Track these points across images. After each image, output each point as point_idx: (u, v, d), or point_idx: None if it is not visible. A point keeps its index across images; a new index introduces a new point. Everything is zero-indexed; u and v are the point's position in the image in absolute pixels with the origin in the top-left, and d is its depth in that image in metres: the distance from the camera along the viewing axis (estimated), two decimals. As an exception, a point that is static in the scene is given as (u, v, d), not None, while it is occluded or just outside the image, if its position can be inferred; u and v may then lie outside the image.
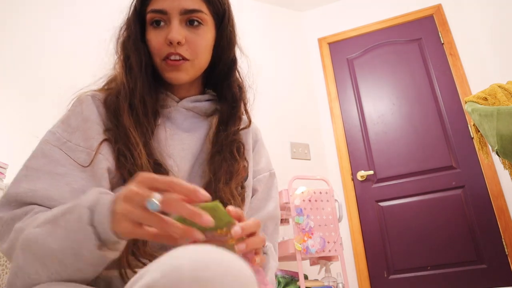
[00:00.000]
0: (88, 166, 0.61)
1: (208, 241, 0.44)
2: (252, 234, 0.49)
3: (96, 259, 0.47)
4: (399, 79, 2.86)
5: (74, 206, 0.48)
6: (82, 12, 2.40)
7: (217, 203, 0.44)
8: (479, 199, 2.46)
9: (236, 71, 0.79)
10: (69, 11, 2.38)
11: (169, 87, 0.75)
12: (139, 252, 0.57)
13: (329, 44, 3.16)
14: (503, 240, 2.34)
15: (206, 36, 0.72)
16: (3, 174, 1.58)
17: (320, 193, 2.09)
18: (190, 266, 0.32)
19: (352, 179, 2.77)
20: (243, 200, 0.73)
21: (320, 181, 2.28)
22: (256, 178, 0.80)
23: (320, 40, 3.19)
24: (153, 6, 0.69)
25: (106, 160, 0.63)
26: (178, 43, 0.68)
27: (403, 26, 2.96)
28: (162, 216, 0.42)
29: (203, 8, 0.70)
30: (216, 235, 0.45)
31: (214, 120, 0.78)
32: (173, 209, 0.42)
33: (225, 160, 0.72)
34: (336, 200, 2.12)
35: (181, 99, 0.76)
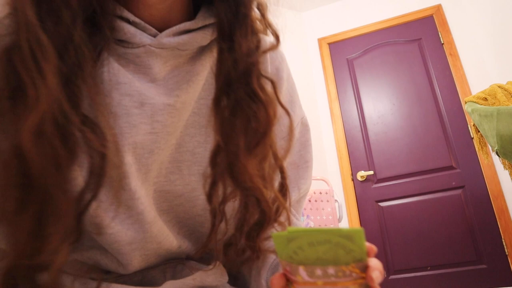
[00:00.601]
0: None
1: (324, 280, 0.31)
2: None
3: None
4: (399, 79, 2.86)
5: None
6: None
7: (362, 230, 0.30)
8: (479, 199, 2.46)
9: None
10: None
11: (133, 7, 0.41)
12: None
13: (329, 44, 3.16)
14: (503, 240, 2.34)
15: None
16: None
17: (320, 193, 2.09)
18: None
19: (352, 179, 2.77)
20: (283, 188, 0.45)
21: (320, 181, 2.29)
22: (284, 139, 0.51)
23: (320, 40, 3.19)
24: None
25: None
26: None
27: (403, 26, 2.96)
28: None
29: None
30: (339, 272, 0.31)
31: (213, 55, 0.45)
32: None
33: (240, 106, 0.41)
34: (336, 200, 2.12)
35: (159, 31, 0.42)
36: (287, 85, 0.53)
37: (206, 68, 0.45)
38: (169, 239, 0.45)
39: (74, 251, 0.43)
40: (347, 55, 3.07)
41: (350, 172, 2.79)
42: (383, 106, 2.85)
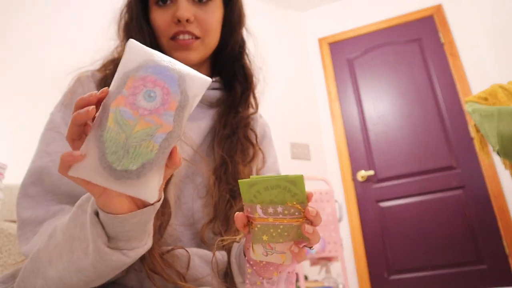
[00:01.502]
0: None
1: (274, 217, 0.42)
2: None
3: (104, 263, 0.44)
4: (399, 79, 2.86)
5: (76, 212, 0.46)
6: (83, 11, 2.39)
7: (302, 176, 0.41)
8: (479, 199, 2.46)
9: (245, 53, 0.76)
10: (69, 10, 2.37)
11: None
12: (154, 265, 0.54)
13: (330, 44, 3.15)
14: (503, 240, 2.34)
15: (215, 12, 0.68)
16: (2, 174, 1.57)
17: (320, 193, 2.09)
18: None
19: (353, 179, 2.77)
20: None
21: (320, 182, 2.28)
22: None
23: (320, 40, 3.19)
24: None
25: None
26: (187, 20, 0.64)
27: (403, 26, 2.96)
28: None
29: None
30: (285, 210, 0.42)
31: (218, 110, 0.73)
32: None
33: (240, 142, 0.69)
34: (336, 201, 2.12)
35: None
36: (268, 143, 0.81)
37: (212, 116, 0.72)
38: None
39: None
40: (347, 55, 3.07)
41: (350, 172, 2.79)
42: (383, 106, 2.84)
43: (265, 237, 0.42)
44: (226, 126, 0.70)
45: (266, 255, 0.44)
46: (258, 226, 0.42)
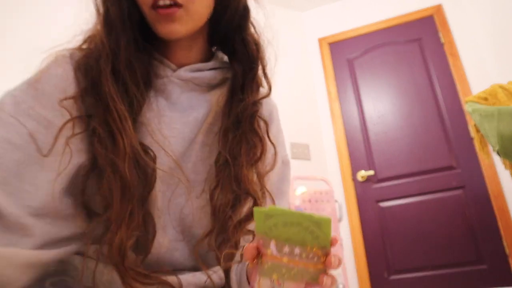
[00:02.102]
0: (46, 156, 0.46)
1: (289, 257, 0.38)
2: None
3: None
4: (399, 79, 2.86)
5: None
6: (82, 12, 2.39)
7: (330, 219, 0.36)
8: (479, 199, 2.46)
9: (251, 23, 0.63)
10: (69, 10, 2.37)
11: (164, 51, 0.59)
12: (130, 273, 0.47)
13: (330, 44, 3.15)
14: (503, 240, 2.34)
15: None
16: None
17: (320, 193, 2.09)
18: None
19: (353, 179, 2.77)
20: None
21: (320, 182, 2.28)
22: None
23: (320, 40, 3.19)
24: None
25: (78, 151, 0.49)
26: None
27: (403, 26, 2.96)
28: None
29: None
30: (304, 253, 0.37)
31: (222, 91, 0.62)
32: None
33: (245, 137, 0.58)
34: (336, 201, 2.12)
35: (179, 66, 0.60)
36: (275, 128, 0.69)
37: (214, 100, 0.61)
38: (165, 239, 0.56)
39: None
40: (347, 55, 3.07)
41: (350, 172, 2.79)
42: (383, 106, 2.84)
43: (275, 276, 0.38)
44: (229, 116, 0.59)
45: None
46: (269, 263, 0.38)
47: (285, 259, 0.37)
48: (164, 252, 0.54)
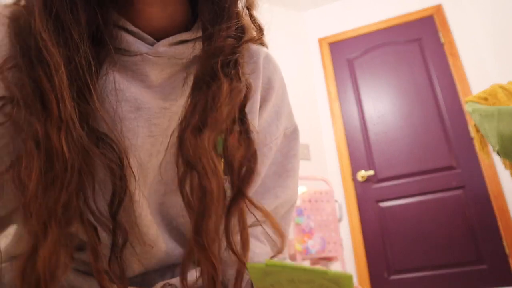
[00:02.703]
0: None
1: None
2: None
3: None
4: (399, 79, 2.86)
5: None
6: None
7: (351, 276, 0.28)
8: (479, 199, 2.46)
9: None
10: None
11: (133, 16, 0.43)
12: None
13: (330, 44, 3.15)
14: (503, 240, 2.34)
15: None
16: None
17: (320, 193, 2.09)
18: None
19: (353, 180, 2.77)
20: (251, 162, 0.41)
21: (320, 182, 2.28)
22: (269, 144, 0.51)
23: (320, 40, 3.19)
24: None
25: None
26: None
27: (403, 26, 2.96)
28: None
29: None
30: None
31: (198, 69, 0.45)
32: None
33: (202, 90, 0.40)
34: (336, 201, 2.12)
35: (156, 38, 0.43)
36: (276, 97, 0.54)
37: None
38: (162, 242, 0.46)
39: (76, 251, 0.43)
40: (347, 55, 3.07)
41: (350, 172, 2.79)
42: (383, 106, 2.85)
43: None
44: (202, 72, 0.42)
45: None
46: None
47: None
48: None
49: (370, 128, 2.83)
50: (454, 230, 2.45)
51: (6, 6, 0.42)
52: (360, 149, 2.82)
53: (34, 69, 0.36)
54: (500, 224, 2.37)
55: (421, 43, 2.88)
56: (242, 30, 0.45)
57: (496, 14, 2.55)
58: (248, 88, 0.43)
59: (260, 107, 0.51)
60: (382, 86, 2.89)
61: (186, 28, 0.46)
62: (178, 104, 0.44)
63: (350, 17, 3.14)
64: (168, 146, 0.43)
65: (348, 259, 2.52)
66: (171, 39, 0.43)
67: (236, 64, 0.43)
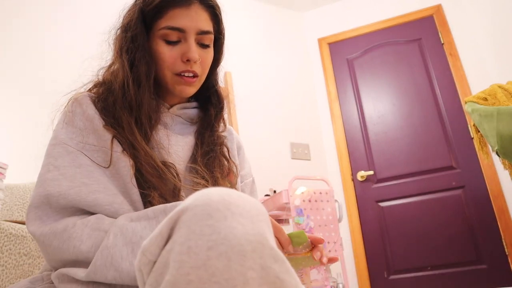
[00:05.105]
0: (108, 167, 0.64)
1: (294, 252, 0.67)
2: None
3: None
4: (399, 79, 2.86)
5: (173, 205, 0.57)
6: (82, 12, 2.40)
7: (303, 231, 0.65)
8: (479, 199, 2.46)
9: (218, 81, 0.87)
10: (69, 10, 2.37)
11: (160, 94, 0.78)
12: None
13: (329, 44, 3.16)
14: (503, 240, 2.34)
15: (211, 54, 0.77)
16: (3, 174, 1.57)
17: (320, 193, 2.09)
18: (217, 192, 0.39)
19: (352, 179, 2.77)
20: None
21: (320, 181, 2.28)
22: (243, 183, 0.87)
23: (320, 41, 3.19)
24: (171, 23, 0.71)
25: (124, 156, 0.65)
26: (195, 62, 0.72)
27: (403, 26, 2.96)
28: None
29: (212, 29, 0.76)
30: (298, 249, 0.67)
31: (198, 127, 0.82)
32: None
33: (218, 159, 0.78)
34: (336, 201, 2.12)
35: (171, 106, 0.79)
36: (242, 153, 0.92)
37: (194, 133, 0.81)
38: None
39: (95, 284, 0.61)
40: (347, 55, 3.07)
41: (350, 172, 2.79)
42: (383, 106, 2.85)
43: None
44: (203, 143, 0.78)
45: None
46: None
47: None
48: None
49: (370, 128, 2.83)
50: (454, 230, 2.45)
51: (82, 92, 0.72)
52: (360, 149, 2.82)
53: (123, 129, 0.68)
54: (500, 224, 2.37)
55: (421, 43, 2.88)
56: (220, 100, 0.86)
57: (496, 14, 2.55)
58: (236, 168, 0.84)
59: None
60: (382, 86, 2.89)
61: (188, 99, 0.85)
62: (185, 140, 0.78)
63: (350, 17, 3.14)
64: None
65: (348, 259, 2.52)
66: (179, 106, 0.81)
67: (229, 152, 0.84)
